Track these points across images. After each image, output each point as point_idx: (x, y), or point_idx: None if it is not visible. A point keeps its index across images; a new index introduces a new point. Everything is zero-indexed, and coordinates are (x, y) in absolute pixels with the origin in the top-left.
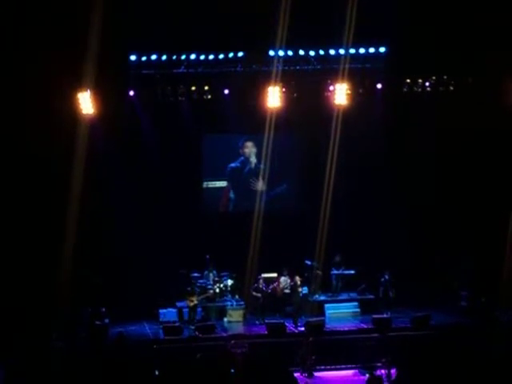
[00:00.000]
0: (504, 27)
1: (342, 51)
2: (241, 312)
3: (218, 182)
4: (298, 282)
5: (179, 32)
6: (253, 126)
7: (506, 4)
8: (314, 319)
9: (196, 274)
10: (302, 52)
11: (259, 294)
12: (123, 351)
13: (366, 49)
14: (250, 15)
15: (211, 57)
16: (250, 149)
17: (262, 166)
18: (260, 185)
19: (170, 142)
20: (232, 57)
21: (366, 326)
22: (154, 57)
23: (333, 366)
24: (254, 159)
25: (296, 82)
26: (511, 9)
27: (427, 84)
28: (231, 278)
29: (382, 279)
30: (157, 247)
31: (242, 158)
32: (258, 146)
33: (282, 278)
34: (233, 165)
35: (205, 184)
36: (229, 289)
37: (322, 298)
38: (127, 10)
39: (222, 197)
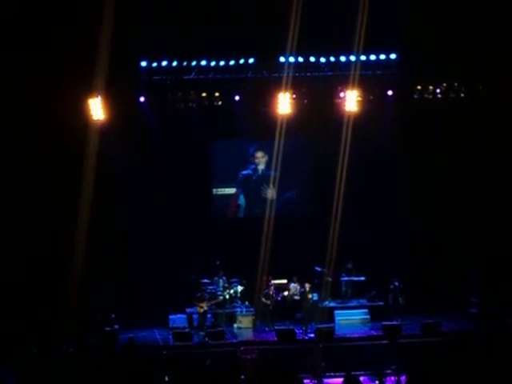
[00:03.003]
0: None
1: (352, 58)
2: (250, 318)
3: (228, 189)
4: (308, 289)
5: (190, 38)
6: (263, 133)
7: None
8: (324, 326)
9: (206, 280)
10: (312, 58)
11: (269, 301)
12: (133, 357)
13: (377, 55)
14: (260, 21)
15: (222, 63)
16: (259, 159)
17: (272, 173)
18: (270, 192)
19: (180, 149)
20: (243, 63)
21: (375, 333)
22: (164, 63)
23: (342, 373)
24: (261, 167)
25: (306, 89)
26: None
27: (438, 91)
28: (241, 285)
29: (392, 286)
30: (167, 253)
31: (254, 165)
32: (269, 152)
33: (292, 285)
34: (244, 172)
35: (215, 190)
36: (238, 295)
37: (332, 304)
38: (138, 16)
39: (231, 203)
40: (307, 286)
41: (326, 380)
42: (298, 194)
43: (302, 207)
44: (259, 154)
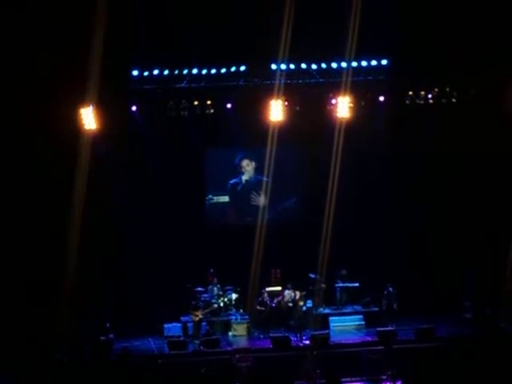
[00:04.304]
0: (507, 39)
1: (344, 64)
2: (245, 326)
3: (221, 197)
4: (298, 296)
5: (181, 46)
6: (256, 140)
7: (509, 16)
8: (319, 332)
9: (200, 289)
10: (304, 65)
11: (263, 308)
12: (128, 366)
13: (368, 61)
14: (251, 29)
15: (213, 71)
16: (245, 168)
17: (264, 179)
18: (262, 200)
19: (172, 157)
20: (234, 71)
21: (370, 339)
22: (156, 72)
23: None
24: (246, 176)
25: (298, 96)
26: None
27: (430, 96)
28: (235, 292)
29: (386, 292)
30: (161, 262)
31: (241, 174)
32: (257, 159)
33: (286, 292)
34: (232, 181)
35: (208, 198)
36: (233, 303)
37: (327, 311)
38: (129, 25)
39: (231, 210)
40: (298, 293)
41: None
42: (295, 202)
43: (300, 215)
44: (244, 163)
